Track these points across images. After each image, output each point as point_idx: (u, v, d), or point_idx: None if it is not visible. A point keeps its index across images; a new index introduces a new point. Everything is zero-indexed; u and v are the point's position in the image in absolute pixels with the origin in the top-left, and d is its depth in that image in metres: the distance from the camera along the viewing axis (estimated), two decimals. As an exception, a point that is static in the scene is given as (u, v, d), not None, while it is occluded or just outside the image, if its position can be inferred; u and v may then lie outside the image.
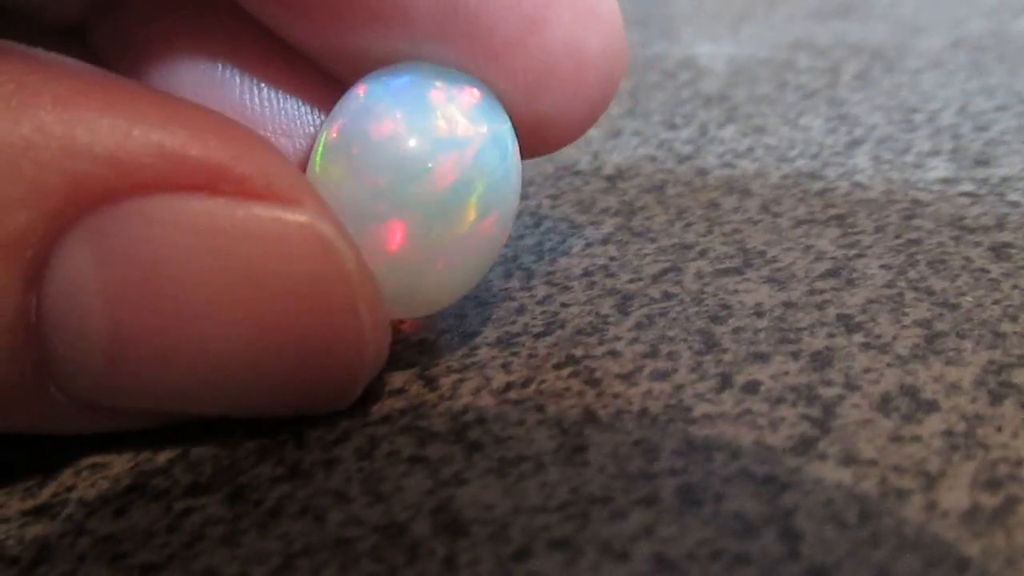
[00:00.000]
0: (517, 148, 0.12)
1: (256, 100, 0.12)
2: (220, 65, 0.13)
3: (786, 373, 0.11)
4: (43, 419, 0.11)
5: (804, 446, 0.10)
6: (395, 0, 0.11)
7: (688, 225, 0.15)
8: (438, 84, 0.11)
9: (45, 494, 0.11)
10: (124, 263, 0.10)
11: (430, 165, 0.11)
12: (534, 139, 0.12)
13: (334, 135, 0.11)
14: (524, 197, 0.17)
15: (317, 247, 0.10)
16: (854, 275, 0.13)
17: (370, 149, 0.11)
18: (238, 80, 0.13)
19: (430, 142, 0.11)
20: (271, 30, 0.12)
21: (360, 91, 0.11)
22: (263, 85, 0.13)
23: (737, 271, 0.13)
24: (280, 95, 0.13)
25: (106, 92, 0.10)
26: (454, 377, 0.12)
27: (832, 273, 0.13)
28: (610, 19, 0.12)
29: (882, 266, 0.13)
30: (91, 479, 0.11)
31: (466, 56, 0.11)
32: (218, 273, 0.10)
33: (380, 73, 0.12)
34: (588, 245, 0.15)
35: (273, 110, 0.13)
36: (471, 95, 0.11)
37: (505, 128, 0.12)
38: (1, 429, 0.11)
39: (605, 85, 0.12)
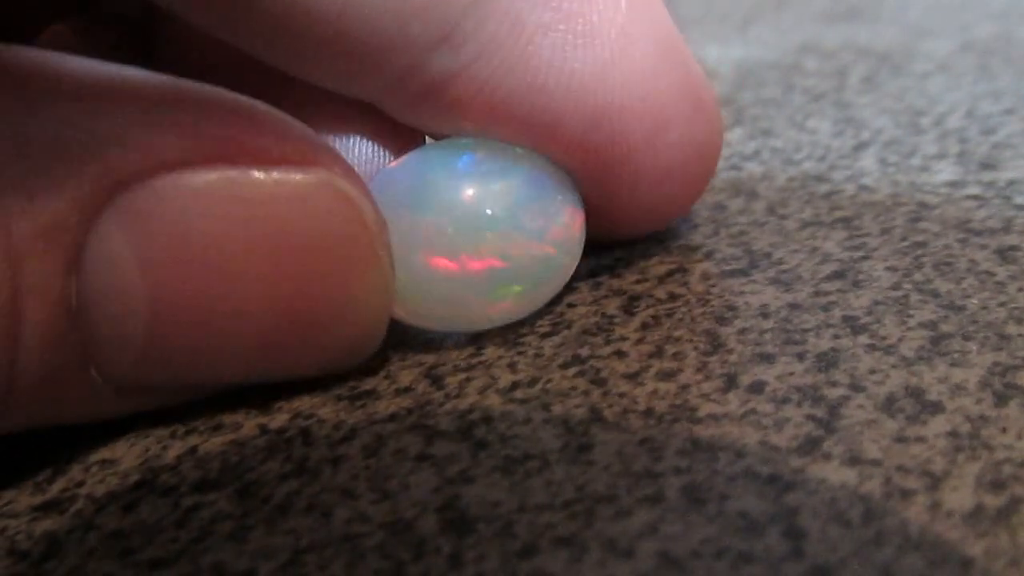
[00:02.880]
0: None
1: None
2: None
3: (791, 374, 0.11)
4: (80, 405, 0.11)
5: (809, 446, 0.10)
6: (544, 113, 0.12)
7: (694, 226, 0.15)
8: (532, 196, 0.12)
9: (54, 490, 0.11)
10: (157, 238, 0.10)
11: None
12: (645, 220, 0.14)
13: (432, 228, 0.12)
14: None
15: (335, 201, 0.11)
16: (860, 277, 0.13)
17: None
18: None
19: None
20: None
21: (466, 195, 0.12)
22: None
23: (743, 272, 0.13)
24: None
25: (122, 81, 0.10)
26: (461, 376, 0.12)
27: (838, 275, 0.13)
28: (715, 108, 0.13)
29: (888, 268, 0.13)
30: (100, 475, 0.11)
31: (596, 160, 0.12)
32: (246, 237, 0.10)
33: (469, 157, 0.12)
34: (594, 246, 0.15)
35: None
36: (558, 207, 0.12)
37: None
38: (37, 422, 0.11)
39: (710, 167, 0.13)
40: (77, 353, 0.10)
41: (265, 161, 0.10)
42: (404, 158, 0.12)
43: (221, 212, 0.10)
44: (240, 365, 0.11)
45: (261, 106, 0.11)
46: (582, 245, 0.13)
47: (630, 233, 0.14)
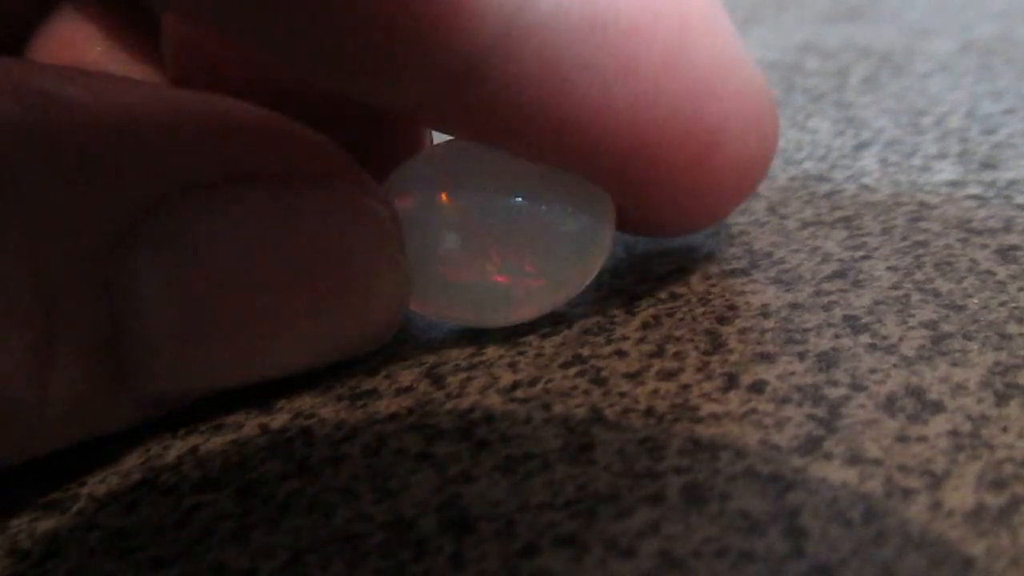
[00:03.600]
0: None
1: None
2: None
3: (792, 373, 0.11)
4: (106, 422, 0.11)
5: (810, 446, 0.10)
6: (577, 144, 0.11)
7: (695, 226, 0.15)
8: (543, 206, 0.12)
9: (56, 489, 0.11)
10: (186, 261, 0.10)
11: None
12: (690, 227, 0.13)
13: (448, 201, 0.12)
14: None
15: (358, 212, 0.11)
16: (861, 276, 0.13)
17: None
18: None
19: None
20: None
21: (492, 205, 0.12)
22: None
23: (744, 272, 0.13)
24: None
25: (144, 101, 0.10)
26: (461, 376, 0.12)
27: (839, 274, 0.13)
28: (771, 117, 0.12)
29: (889, 268, 0.13)
30: (101, 475, 0.11)
31: (644, 181, 0.12)
32: (274, 253, 0.11)
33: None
34: (595, 246, 0.15)
35: None
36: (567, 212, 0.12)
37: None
38: (65, 444, 0.11)
39: (760, 177, 0.13)
40: (107, 376, 0.10)
41: (290, 178, 0.11)
42: (424, 156, 0.12)
43: (248, 231, 0.10)
44: (265, 369, 0.11)
45: (282, 120, 0.11)
46: (608, 251, 0.13)
47: (669, 235, 0.14)
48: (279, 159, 0.11)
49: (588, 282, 0.13)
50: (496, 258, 0.12)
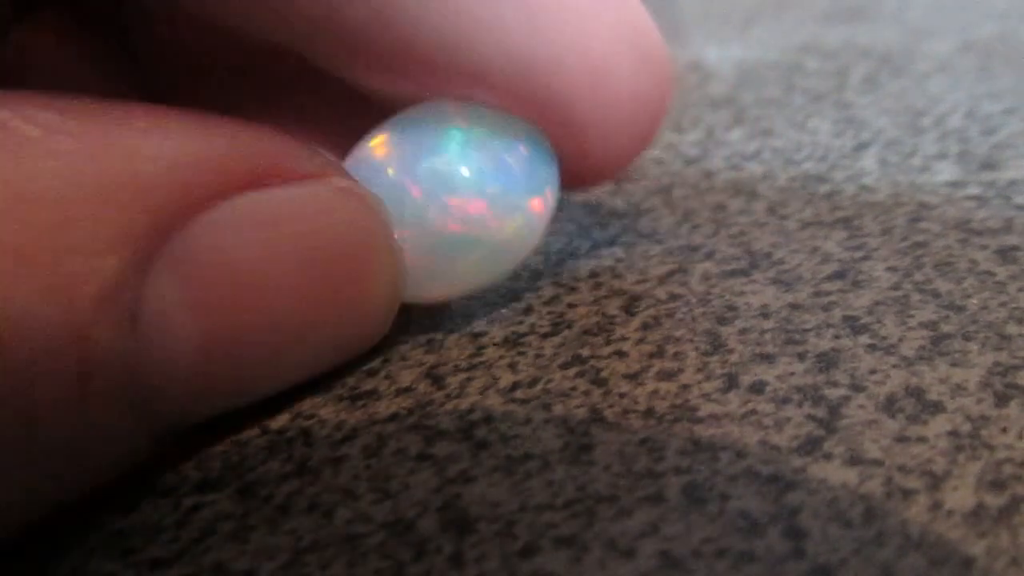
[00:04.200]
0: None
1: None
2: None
3: (792, 374, 0.11)
4: (123, 453, 0.10)
5: (809, 446, 0.10)
6: (470, 61, 0.11)
7: (695, 227, 0.15)
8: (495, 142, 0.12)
9: (56, 490, 0.11)
10: (202, 276, 0.10)
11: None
12: (582, 177, 0.13)
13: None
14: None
15: (354, 206, 0.11)
16: (860, 277, 0.13)
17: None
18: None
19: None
20: (329, 72, 0.12)
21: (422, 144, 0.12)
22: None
23: (743, 273, 0.13)
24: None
25: (142, 118, 0.10)
26: (461, 376, 0.12)
27: (838, 275, 0.13)
28: (662, 56, 0.12)
29: (888, 268, 0.13)
30: (101, 475, 0.11)
31: (530, 109, 0.12)
32: (280, 255, 0.11)
33: (434, 114, 0.12)
34: (595, 246, 0.15)
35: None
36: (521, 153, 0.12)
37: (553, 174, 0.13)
38: (95, 479, 0.10)
39: (658, 118, 0.13)
40: (134, 407, 0.10)
41: (287, 179, 0.11)
42: (388, 123, 0.12)
43: (256, 237, 0.10)
44: (281, 376, 0.11)
45: (267, 128, 0.11)
46: (547, 221, 0.13)
47: (579, 184, 0.14)
48: (278, 163, 0.11)
49: (545, 213, 0.13)
50: (451, 207, 0.12)
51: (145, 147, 0.10)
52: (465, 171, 0.12)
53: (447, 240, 0.12)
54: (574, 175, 0.13)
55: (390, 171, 0.12)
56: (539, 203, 0.12)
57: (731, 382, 0.11)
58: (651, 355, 0.12)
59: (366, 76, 0.12)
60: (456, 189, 0.12)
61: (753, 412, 0.10)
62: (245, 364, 0.11)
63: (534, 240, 0.13)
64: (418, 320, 0.13)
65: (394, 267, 0.12)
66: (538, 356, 0.12)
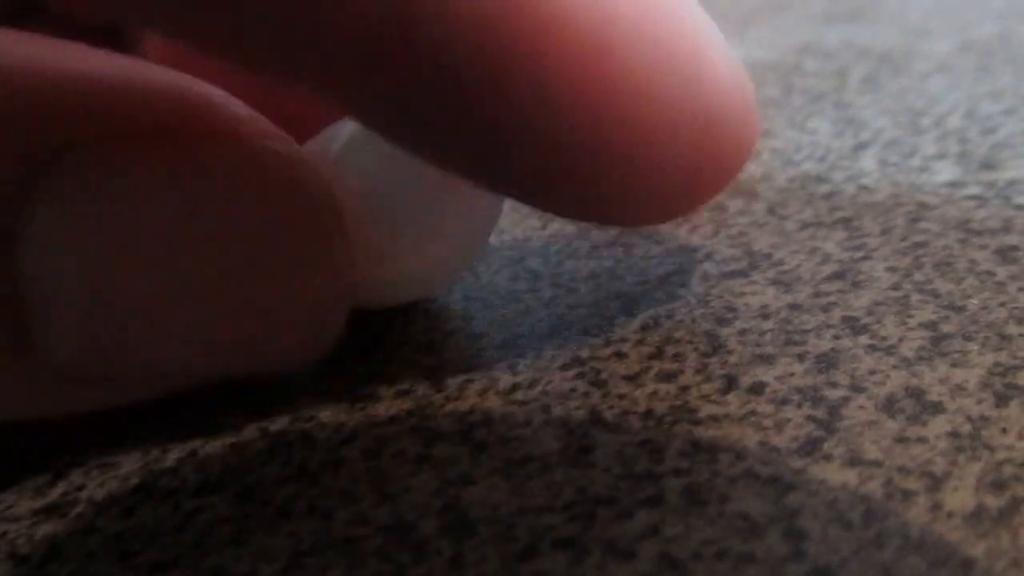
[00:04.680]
0: None
1: None
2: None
3: (792, 375, 0.11)
4: (19, 396, 0.10)
5: (809, 447, 0.10)
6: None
7: (694, 228, 0.15)
8: None
9: (55, 493, 0.11)
10: (90, 219, 0.09)
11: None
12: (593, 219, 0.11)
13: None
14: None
15: (283, 176, 0.10)
16: (860, 277, 0.13)
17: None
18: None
19: None
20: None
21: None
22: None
23: (743, 273, 0.13)
24: None
25: (54, 56, 0.10)
26: (461, 378, 0.12)
27: (838, 275, 0.13)
28: (753, 124, 0.11)
29: (888, 268, 0.13)
30: (100, 478, 0.11)
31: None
32: (188, 213, 0.10)
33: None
34: (594, 247, 0.15)
35: None
36: None
37: None
38: None
39: (719, 187, 0.11)
40: (16, 340, 0.10)
41: (213, 135, 0.10)
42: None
43: (152, 192, 0.09)
44: (186, 356, 0.10)
45: (210, 87, 0.10)
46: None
47: (622, 228, 0.13)
48: (197, 117, 0.10)
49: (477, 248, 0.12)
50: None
51: (46, 81, 0.09)
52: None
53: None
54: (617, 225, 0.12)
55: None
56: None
57: (731, 383, 0.11)
58: (650, 356, 0.12)
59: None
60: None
61: (753, 413, 0.10)
62: (143, 329, 0.10)
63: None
64: (417, 322, 0.13)
65: (337, 264, 0.11)
66: (537, 357, 0.12)
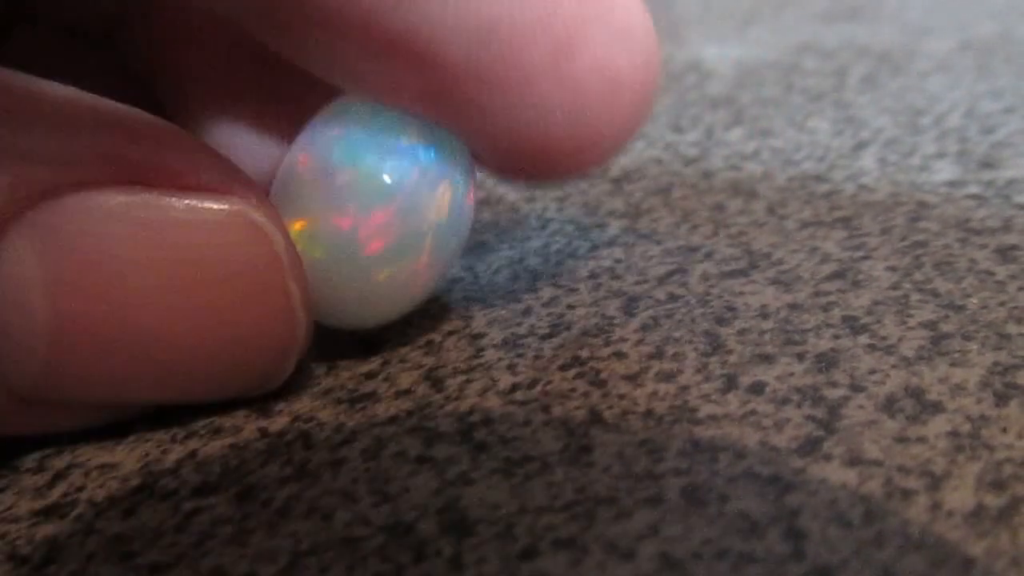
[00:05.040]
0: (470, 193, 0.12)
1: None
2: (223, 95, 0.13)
3: (791, 374, 0.11)
4: None
5: (809, 447, 0.10)
6: (429, 39, 0.10)
7: (694, 227, 0.15)
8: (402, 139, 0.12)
9: (55, 494, 0.11)
10: (65, 255, 0.10)
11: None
12: (566, 162, 0.12)
13: (302, 167, 0.12)
14: (531, 199, 0.17)
15: (248, 232, 0.11)
16: (860, 277, 0.13)
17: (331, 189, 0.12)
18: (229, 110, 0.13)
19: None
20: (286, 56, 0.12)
21: (333, 131, 0.12)
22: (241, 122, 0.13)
23: (743, 273, 0.13)
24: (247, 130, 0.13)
25: (41, 95, 0.10)
26: (460, 378, 0.12)
27: (838, 275, 0.13)
28: (644, 37, 0.11)
29: (888, 268, 0.13)
30: (100, 480, 0.11)
31: (490, 88, 0.11)
32: (156, 261, 0.10)
33: (347, 112, 0.12)
34: (594, 247, 0.15)
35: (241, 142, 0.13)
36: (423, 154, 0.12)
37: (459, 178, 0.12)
38: None
39: (639, 106, 0.12)
40: None
41: (180, 187, 0.10)
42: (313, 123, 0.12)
43: (130, 235, 0.10)
44: (144, 387, 0.11)
45: (183, 134, 0.11)
46: (468, 217, 0.12)
47: (550, 176, 0.13)
48: (175, 168, 0.10)
49: (452, 254, 0.12)
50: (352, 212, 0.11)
51: (28, 122, 0.10)
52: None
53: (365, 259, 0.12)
54: (542, 163, 0.12)
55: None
56: (445, 187, 0.12)
57: (730, 383, 0.11)
58: (650, 356, 0.12)
59: (306, 58, 0.11)
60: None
61: (752, 413, 0.10)
62: (102, 362, 0.10)
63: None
64: (417, 322, 0.13)
65: (291, 307, 0.11)
66: (537, 357, 0.12)
